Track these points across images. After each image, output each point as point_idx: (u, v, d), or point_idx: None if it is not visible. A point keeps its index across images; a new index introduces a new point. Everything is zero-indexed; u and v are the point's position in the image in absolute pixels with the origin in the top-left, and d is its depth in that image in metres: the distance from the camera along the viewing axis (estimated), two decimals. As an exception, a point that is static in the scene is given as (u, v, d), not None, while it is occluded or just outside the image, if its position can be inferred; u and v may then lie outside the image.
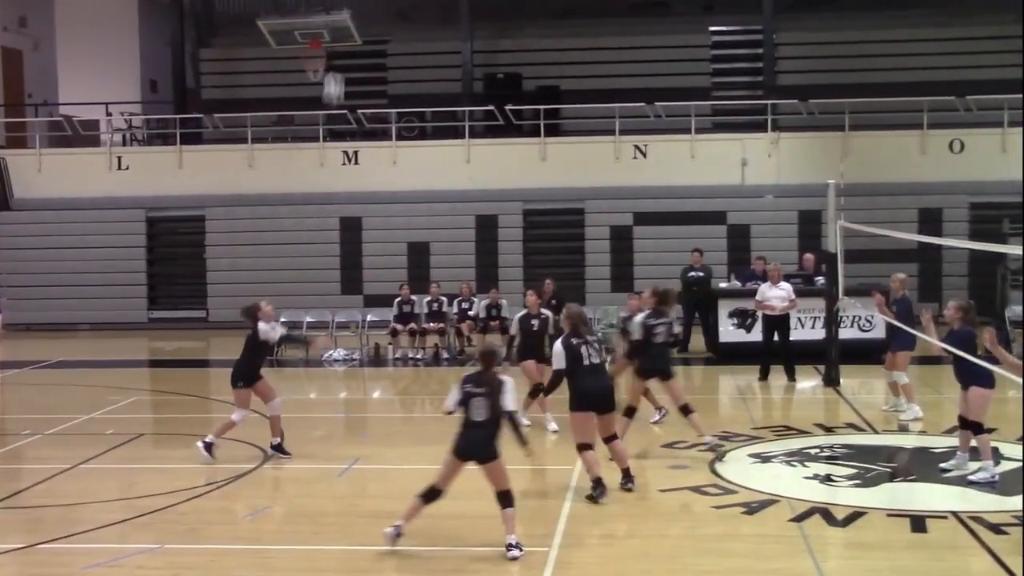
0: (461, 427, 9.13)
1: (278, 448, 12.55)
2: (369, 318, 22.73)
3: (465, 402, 9.06)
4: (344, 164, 27.55)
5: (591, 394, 10.65)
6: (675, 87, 28.88)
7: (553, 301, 20.80)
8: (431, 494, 9.17)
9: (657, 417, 14.35)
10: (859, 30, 30.41)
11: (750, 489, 10.98)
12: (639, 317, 12.61)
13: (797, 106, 27.46)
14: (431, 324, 21.30)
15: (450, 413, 9.19)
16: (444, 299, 21.59)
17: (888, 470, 11.80)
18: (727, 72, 31.39)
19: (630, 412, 12.46)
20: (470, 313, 21.43)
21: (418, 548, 9.09)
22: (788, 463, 12.07)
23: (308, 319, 22.64)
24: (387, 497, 10.79)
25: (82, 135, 28.83)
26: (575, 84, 30.25)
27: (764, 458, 12.34)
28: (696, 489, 10.99)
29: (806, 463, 12.03)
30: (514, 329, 14.25)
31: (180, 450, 13.23)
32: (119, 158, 28.09)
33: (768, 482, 11.28)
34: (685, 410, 12.45)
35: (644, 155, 26.88)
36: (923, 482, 11.41)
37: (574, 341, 10.69)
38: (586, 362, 10.63)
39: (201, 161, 27.86)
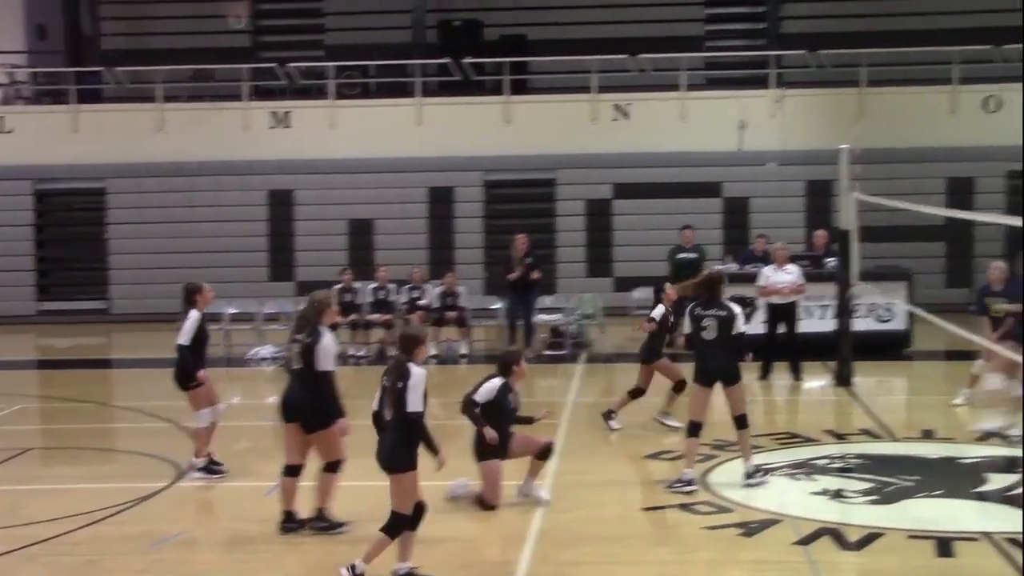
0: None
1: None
2: (302, 308, 22.58)
3: (382, 398, 8.98)
4: (273, 127, 27.41)
5: (281, 406, 10.50)
6: (662, 36, 28.94)
7: (528, 259, 20.81)
8: (397, 522, 8.98)
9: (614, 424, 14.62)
10: (877, -32, 30.57)
11: (748, 507, 11.02)
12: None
13: (805, 58, 27.53)
14: (376, 316, 21.25)
15: (376, 414, 9.06)
16: (392, 286, 21.55)
17: (910, 484, 11.86)
18: (723, 18, 31.44)
19: (695, 429, 11.90)
20: (421, 302, 21.40)
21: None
22: (793, 476, 12.13)
23: (231, 310, 22.51)
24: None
25: (-45, 92, 28.57)
26: (545, 33, 30.22)
27: (765, 471, 12.37)
28: (685, 507, 11.02)
29: (814, 476, 12.09)
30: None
31: (76, 467, 13.16)
32: (1, 119, 27.83)
33: (769, 499, 11.32)
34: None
35: (626, 116, 26.91)
36: (950, 498, 11.47)
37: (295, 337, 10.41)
38: (294, 366, 10.37)
39: (101, 123, 27.63)
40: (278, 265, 27.00)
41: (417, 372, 8.83)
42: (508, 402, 11.12)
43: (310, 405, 10.28)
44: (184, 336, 12.22)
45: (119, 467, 13.66)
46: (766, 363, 17.77)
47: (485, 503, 10.97)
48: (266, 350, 21.47)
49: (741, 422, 11.87)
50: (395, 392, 8.82)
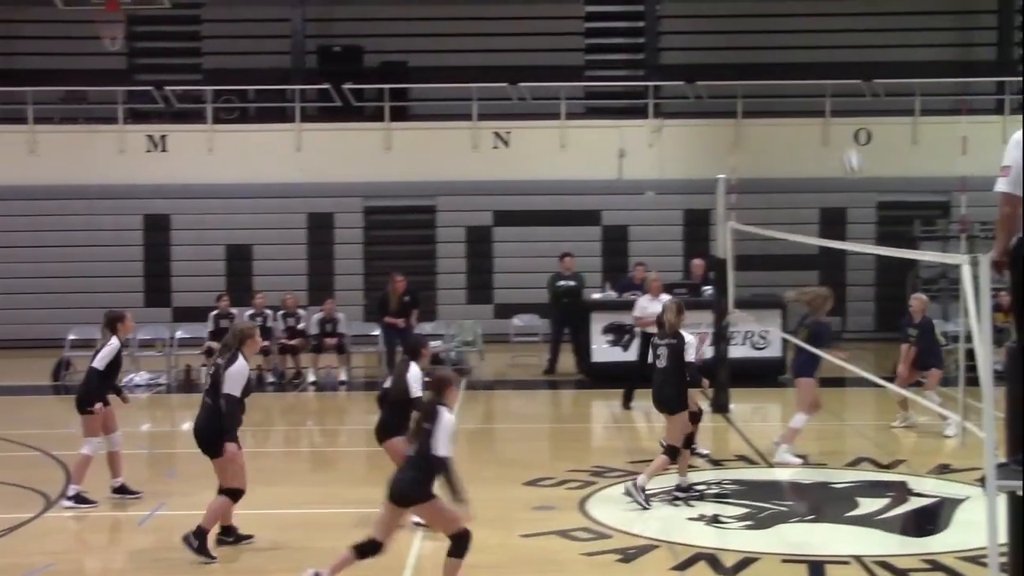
0: None
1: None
2: (179, 335, 22.35)
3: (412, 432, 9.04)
4: (149, 151, 27.06)
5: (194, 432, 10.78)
6: (542, 65, 29.12)
7: (406, 298, 20.80)
8: (367, 548, 8.92)
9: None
10: (754, 2, 31.09)
11: (626, 533, 11.09)
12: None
13: (683, 89, 27.97)
14: (254, 342, 21.02)
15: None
16: (269, 312, 21.37)
17: (785, 509, 12.07)
18: (603, 48, 31.73)
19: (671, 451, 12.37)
20: (300, 328, 21.28)
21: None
22: (670, 502, 12.24)
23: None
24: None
25: None
26: (425, 60, 30.21)
27: (648, 498, 12.48)
28: (564, 534, 11.06)
29: (691, 502, 12.22)
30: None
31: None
32: None
33: (647, 525, 11.42)
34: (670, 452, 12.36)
35: (506, 144, 27.05)
36: (823, 522, 11.70)
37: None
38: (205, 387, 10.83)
39: (-30, 145, 27.04)
40: (154, 291, 26.62)
41: (447, 418, 8.83)
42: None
43: (207, 428, 10.36)
44: (100, 361, 12.24)
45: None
46: (629, 390, 17.86)
47: None
48: (141, 377, 21.16)
49: (668, 451, 12.21)
50: (422, 431, 8.83)
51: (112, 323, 12.46)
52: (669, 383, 12.26)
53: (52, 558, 10.54)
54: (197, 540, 10.22)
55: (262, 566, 10.25)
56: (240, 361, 10.35)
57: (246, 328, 10.79)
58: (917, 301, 16.27)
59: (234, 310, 21.53)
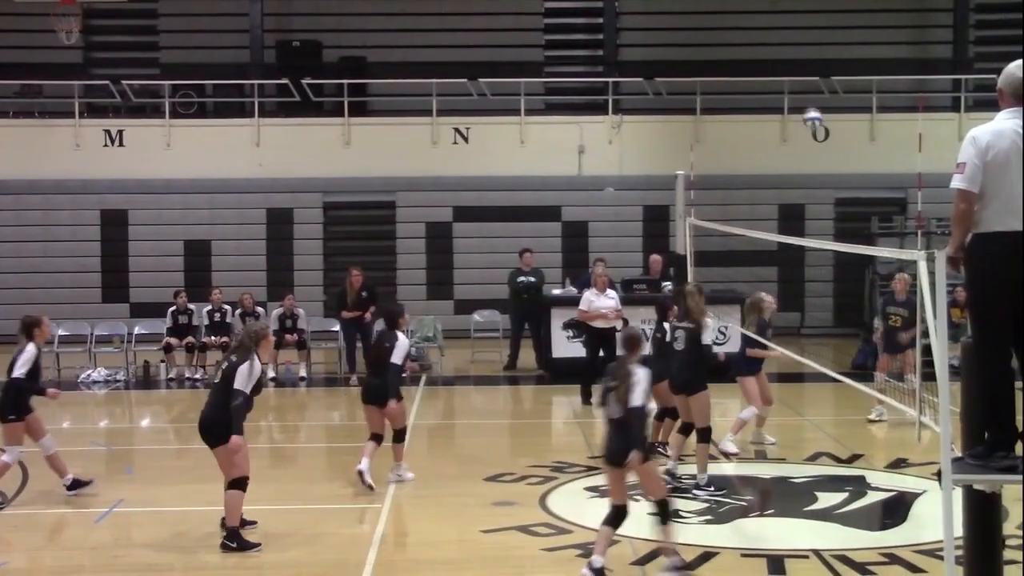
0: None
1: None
2: (137, 331, 22.25)
3: (605, 398, 9.43)
4: (106, 146, 26.87)
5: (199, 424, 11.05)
6: (502, 61, 29.14)
7: (364, 293, 20.75)
8: (616, 516, 9.46)
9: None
10: (713, -1, 31.29)
11: (586, 528, 11.07)
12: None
13: (642, 85, 28.03)
14: (212, 338, 20.97)
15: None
16: (228, 308, 21.31)
17: (743, 503, 12.16)
18: (562, 45, 31.76)
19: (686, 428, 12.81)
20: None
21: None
22: (630, 497, 12.26)
23: (61, 332, 21.97)
24: (158, 547, 10.57)
25: None
26: (385, 55, 30.16)
27: (603, 492, 12.50)
28: (524, 529, 11.09)
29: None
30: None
31: None
32: None
33: (607, 519, 11.45)
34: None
35: (466, 140, 27.05)
36: (782, 516, 11.79)
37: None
38: (214, 380, 11.27)
39: (-76, 139, 26.80)
40: (111, 286, 26.45)
41: (641, 373, 9.33)
42: None
43: (213, 420, 10.52)
44: (20, 368, 12.09)
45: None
46: (587, 386, 17.88)
47: (398, 434, 12.73)
48: (98, 373, 21.03)
49: (702, 435, 12.50)
50: (621, 392, 9.28)
51: (28, 329, 12.39)
52: (687, 367, 12.50)
53: (6, 556, 10.47)
54: (233, 541, 10.36)
55: (220, 562, 10.22)
56: (256, 361, 10.60)
57: (260, 329, 11.08)
58: (901, 282, 16.37)
59: (192, 306, 21.47)
